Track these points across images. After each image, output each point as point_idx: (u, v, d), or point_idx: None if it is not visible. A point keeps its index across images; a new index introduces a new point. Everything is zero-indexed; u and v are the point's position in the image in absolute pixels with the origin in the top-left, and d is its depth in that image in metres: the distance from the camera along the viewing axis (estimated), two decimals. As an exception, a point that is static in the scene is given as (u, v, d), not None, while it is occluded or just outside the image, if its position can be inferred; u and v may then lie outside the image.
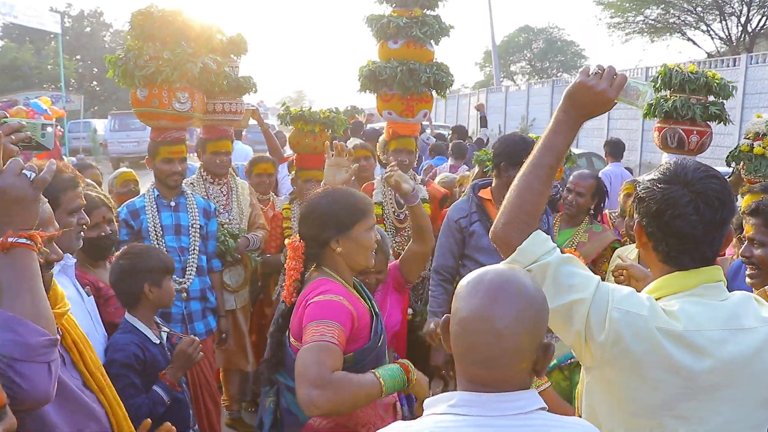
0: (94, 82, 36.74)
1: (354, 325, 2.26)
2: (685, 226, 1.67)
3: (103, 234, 2.99)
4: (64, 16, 30.80)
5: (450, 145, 9.49)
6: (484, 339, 1.33)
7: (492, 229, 1.85)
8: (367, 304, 2.48)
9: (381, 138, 4.78)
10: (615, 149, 8.05)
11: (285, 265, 2.54)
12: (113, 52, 4.05)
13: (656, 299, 1.72)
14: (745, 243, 2.68)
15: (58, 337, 1.68)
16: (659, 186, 1.71)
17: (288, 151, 8.01)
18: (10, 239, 1.61)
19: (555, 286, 1.70)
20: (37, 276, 1.66)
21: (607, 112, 1.85)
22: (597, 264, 3.96)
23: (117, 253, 2.95)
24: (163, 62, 3.77)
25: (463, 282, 1.42)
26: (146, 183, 4.28)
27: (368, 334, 2.36)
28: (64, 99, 22.24)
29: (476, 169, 4.90)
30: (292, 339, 2.34)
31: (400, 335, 3.74)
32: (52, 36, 27.25)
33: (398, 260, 3.38)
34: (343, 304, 2.24)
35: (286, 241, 2.52)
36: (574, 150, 4.09)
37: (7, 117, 2.05)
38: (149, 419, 2.10)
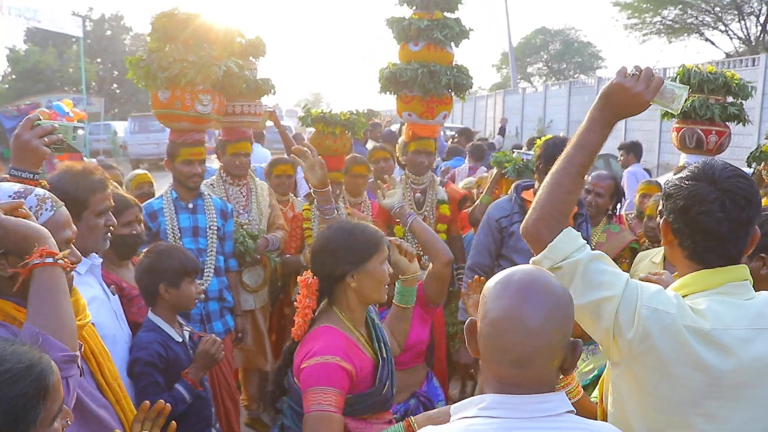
0: (115, 85, 37.06)
1: (353, 380, 2.23)
2: (711, 222, 1.69)
3: (134, 232, 3.08)
4: (85, 20, 31.13)
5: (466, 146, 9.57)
6: (516, 338, 1.34)
7: (523, 224, 1.88)
8: (373, 350, 2.41)
9: (400, 139, 4.80)
10: (638, 150, 8.07)
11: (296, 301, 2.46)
12: (133, 55, 4.10)
13: (682, 297, 1.74)
14: None
15: (78, 353, 1.72)
16: (686, 183, 1.73)
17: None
18: (32, 262, 1.65)
19: (584, 282, 1.72)
20: (62, 291, 1.70)
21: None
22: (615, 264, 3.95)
23: (144, 251, 3.01)
24: (188, 64, 3.80)
25: (491, 283, 1.43)
26: (164, 185, 4.32)
27: (371, 381, 2.32)
28: (84, 101, 22.56)
29: (494, 170, 4.91)
30: (294, 377, 2.33)
31: (439, 356, 3.74)
32: (74, 40, 27.58)
33: (422, 281, 3.32)
34: (338, 365, 2.18)
35: (298, 278, 2.44)
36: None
37: (41, 119, 2.12)
38: (147, 401, 2.09)
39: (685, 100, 4.37)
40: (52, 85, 27.68)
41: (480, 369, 1.46)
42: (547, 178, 1.87)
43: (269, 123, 6.37)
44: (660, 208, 1.85)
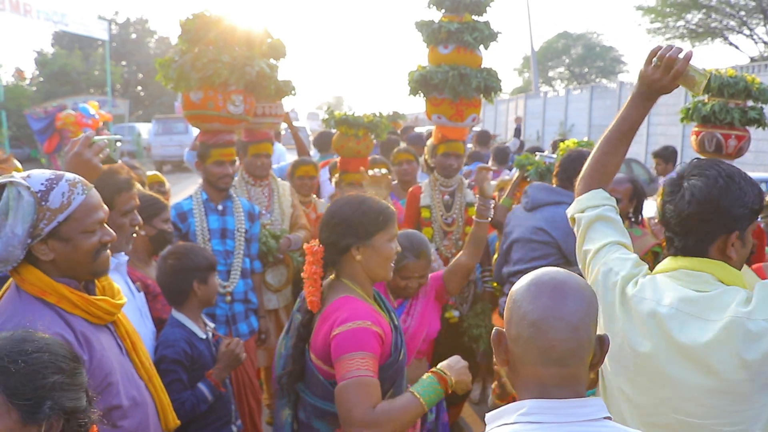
0: (139, 87, 37.45)
1: (383, 345, 2.24)
2: (665, 211, 1.86)
3: (171, 230, 3.22)
4: (111, 23, 31.49)
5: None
6: (561, 335, 1.34)
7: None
8: (386, 317, 2.43)
9: (429, 141, 4.81)
10: (675, 157, 7.93)
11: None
12: (158, 57, 4.14)
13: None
14: None
15: None
16: (673, 175, 1.89)
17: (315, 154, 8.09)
18: None
19: (582, 235, 1.97)
20: None
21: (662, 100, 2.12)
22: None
23: (162, 253, 3.07)
24: (222, 65, 3.82)
25: (521, 287, 1.43)
26: (187, 187, 4.36)
27: (389, 350, 2.32)
28: (110, 104, 22.88)
29: (516, 173, 4.92)
30: (313, 356, 2.32)
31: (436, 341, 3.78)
32: (99, 43, 27.96)
33: (443, 271, 3.40)
34: (371, 329, 2.19)
35: (305, 245, 2.45)
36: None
37: (95, 137, 2.22)
38: None
39: (705, 105, 4.38)
40: (78, 87, 27.99)
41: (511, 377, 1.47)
42: (596, 145, 2.12)
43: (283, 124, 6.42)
44: None
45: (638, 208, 4.18)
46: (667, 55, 1.91)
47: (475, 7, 4.56)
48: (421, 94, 4.67)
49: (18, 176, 1.81)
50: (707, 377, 1.70)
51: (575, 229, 2.08)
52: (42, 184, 1.81)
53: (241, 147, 4.68)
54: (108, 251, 1.99)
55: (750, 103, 4.43)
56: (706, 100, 4.45)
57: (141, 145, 24.88)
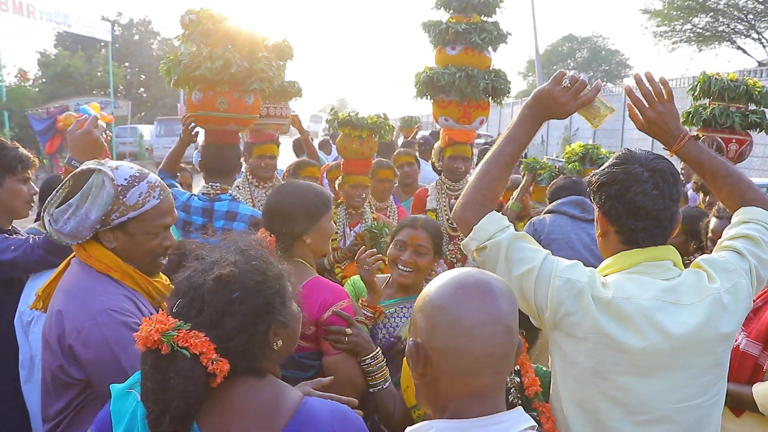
0: (142, 89, 37.48)
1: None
2: (647, 201, 1.78)
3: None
4: (114, 24, 31.51)
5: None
6: (499, 339, 1.24)
7: (453, 210, 2.04)
8: None
9: (436, 144, 4.78)
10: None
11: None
12: (160, 60, 4.08)
13: (604, 276, 1.85)
14: None
15: None
16: (618, 168, 1.84)
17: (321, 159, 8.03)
18: None
19: (507, 261, 1.85)
20: None
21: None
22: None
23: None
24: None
25: (444, 292, 1.29)
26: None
27: None
28: (112, 105, 22.88)
29: (521, 177, 4.84)
30: None
31: None
32: (102, 44, 27.94)
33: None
34: (353, 304, 2.49)
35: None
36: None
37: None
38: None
39: (706, 108, 4.32)
40: (80, 88, 27.94)
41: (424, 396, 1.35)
42: (478, 167, 2.01)
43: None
44: (594, 199, 1.94)
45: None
46: (580, 80, 1.92)
47: (483, 7, 4.50)
48: (428, 97, 4.61)
49: (107, 166, 1.95)
50: (704, 357, 1.75)
51: (482, 258, 1.93)
52: (125, 179, 1.94)
53: (246, 148, 4.64)
54: (165, 257, 2.09)
55: (752, 107, 4.38)
56: (708, 104, 4.41)
57: (143, 147, 24.91)
